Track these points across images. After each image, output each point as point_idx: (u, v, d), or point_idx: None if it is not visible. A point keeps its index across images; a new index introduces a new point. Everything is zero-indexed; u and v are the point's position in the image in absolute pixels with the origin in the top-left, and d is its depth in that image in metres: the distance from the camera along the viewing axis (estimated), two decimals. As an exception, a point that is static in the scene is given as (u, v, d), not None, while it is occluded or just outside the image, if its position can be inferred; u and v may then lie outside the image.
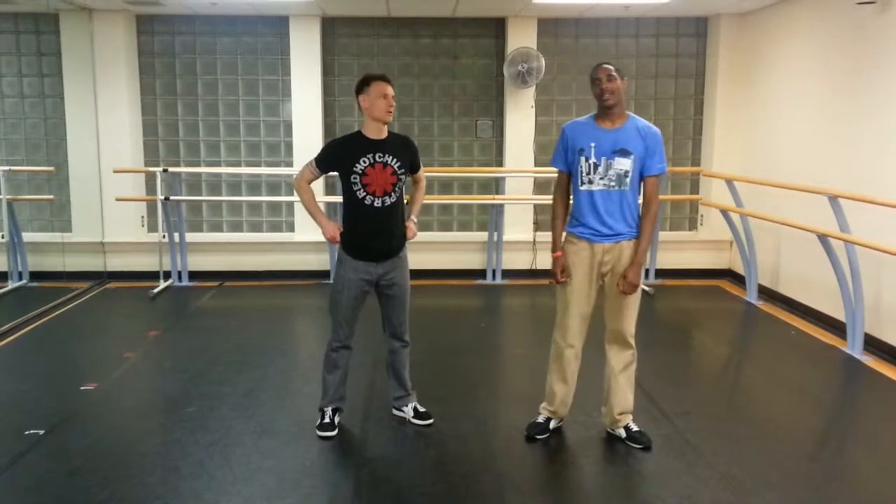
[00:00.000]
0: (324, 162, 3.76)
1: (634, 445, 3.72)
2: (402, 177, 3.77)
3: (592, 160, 3.57)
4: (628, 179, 3.55)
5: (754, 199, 6.69)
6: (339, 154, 3.72)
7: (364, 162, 3.65)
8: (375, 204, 3.69)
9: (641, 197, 3.66)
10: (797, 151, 6.38)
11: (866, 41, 5.42)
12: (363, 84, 3.70)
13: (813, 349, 5.45)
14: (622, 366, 3.76)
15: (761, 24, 6.98)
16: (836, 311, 5.62)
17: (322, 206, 4.08)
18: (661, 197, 7.30)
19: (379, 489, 3.32)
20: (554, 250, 3.71)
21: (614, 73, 3.56)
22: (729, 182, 6.75)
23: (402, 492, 3.29)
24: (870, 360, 5.08)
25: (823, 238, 5.26)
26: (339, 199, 4.09)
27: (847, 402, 4.71)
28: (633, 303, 3.70)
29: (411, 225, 3.94)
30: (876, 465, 3.64)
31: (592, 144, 3.57)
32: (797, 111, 6.40)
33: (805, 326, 5.94)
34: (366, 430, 3.93)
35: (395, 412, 4.11)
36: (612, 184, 3.56)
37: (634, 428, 3.79)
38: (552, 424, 3.85)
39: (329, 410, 3.91)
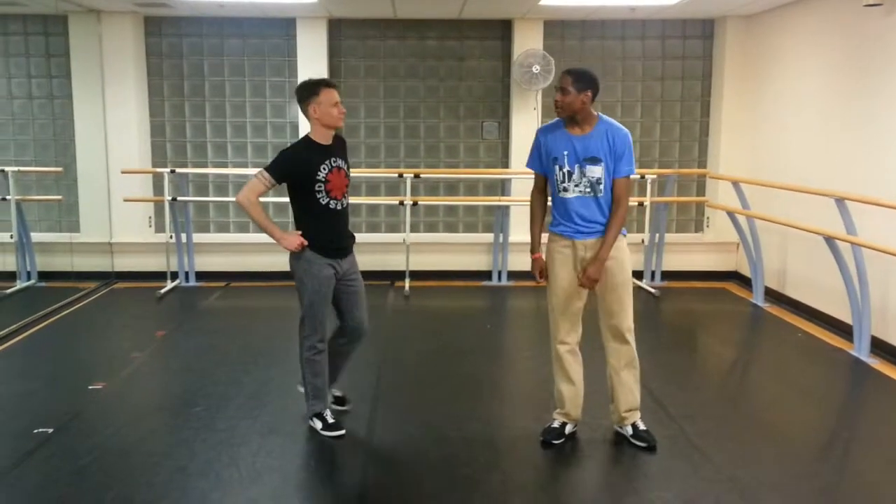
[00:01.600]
0: (284, 171, 3.69)
1: (639, 444, 3.72)
2: (349, 177, 3.87)
3: (566, 168, 3.61)
4: (601, 186, 3.59)
5: (761, 201, 6.68)
6: (299, 163, 3.69)
7: (325, 168, 3.70)
8: (337, 207, 3.77)
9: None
10: (804, 153, 6.37)
11: (874, 43, 5.41)
12: (310, 93, 3.68)
13: (819, 352, 5.44)
14: (623, 363, 3.75)
15: (768, 26, 6.97)
16: (843, 314, 5.61)
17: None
18: (667, 199, 7.35)
19: (384, 490, 3.33)
20: (533, 252, 3.79)
21: (570, 88, 3.52)
22: (735, 184, 6.74)
23: (408, 492, 3.30)
24: (876, 363, 5.07)
25: (830, 240, 5.25)
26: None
27: (853, 404, 4.70)
28: (625, 298, 3.69)
29: None
30: (882, 467, 3.64)
31: (565, 152, 3.61)
32: (804, 113, 6.39)
33: (812, 329, 5.93)
34: (372, 430, 3.94)
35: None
36: (588, 190, 3.60)
37: (642, 427, 3.78)
38: (567, 429, 3.82)
39: (328, 411, 3.92)
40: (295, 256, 3.78)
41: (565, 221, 3.67)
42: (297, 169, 3.69)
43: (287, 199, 3.84)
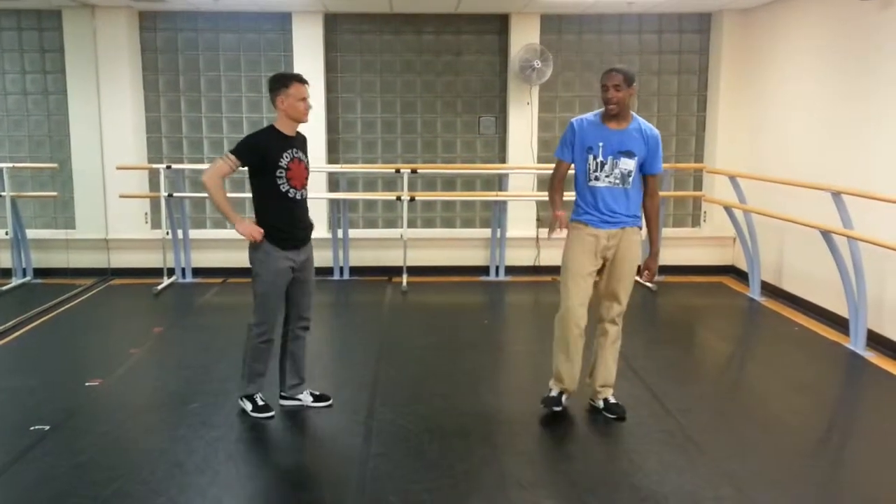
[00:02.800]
0: (248, 154, 3.80)
1: (609, 415, 4.00)
2: (308, 171, 3.99)
3: (600, 159, 3.81)
4: (631, 178, 3.83)
5: (757, 195, 6.68)
6: (264, 148, 3.81)
7: (286, 157, 3.83)
8: (297, 197, 3.90)
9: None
10: (800, 147, 6.37)
11: (869, 37, 5.41)
12: (281, 85, 3.81)
13: (816, 345, 5.45)
14: (609, 341, 4.03)
15: (764, 21, 6.97)
16: (840, 308, 5.62)
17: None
18: (664, 193, 7.34)
19: (382, 485, 3.33)
20: (555, 210, 3.88)
21: (622, 83, 3.75)
22: (732, 178, 6.75)
23: (406, 487, 3.30)
24: (872, 356, 5.08)
25: (826, 234, 5.26)
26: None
27: (850, 398, 4.72)
28: (629, 286, 3.97)
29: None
30: (878, 460, 3.65)
31: (601, 144, 3.81)
32: (800, 107, 6.39)
33: (808, 323, 5.94)
34: (369, 426, 3.94)
35: (286, 402, 4.15)
36: (617, 181, 3.81)
37: (612, 400, 4.06)
38: (565, 398, 4.08)
39: (259, 395, 4.02)
40: (253, 247, 3.91)
41: (592, 211, 3.86)
42: (262, 153, 3.80)
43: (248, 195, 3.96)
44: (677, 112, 7.73)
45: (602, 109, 3.87)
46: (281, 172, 3.81)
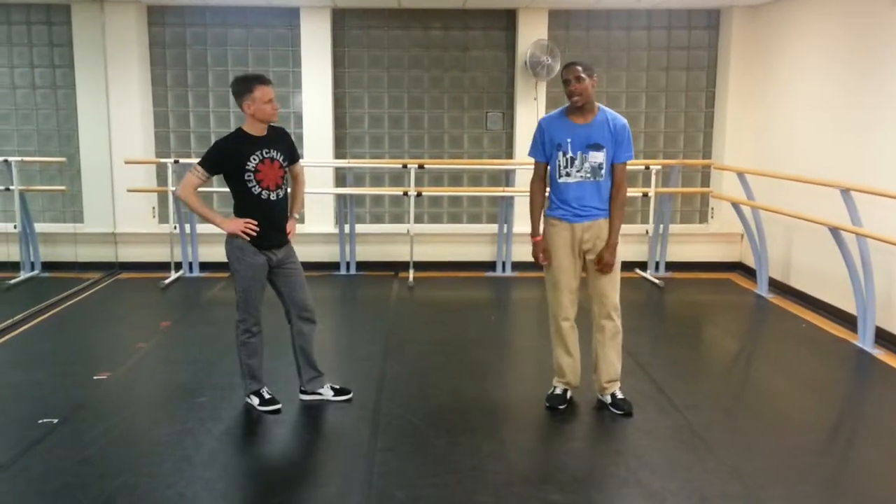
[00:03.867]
0: (215, 164, 3.83)
1: (616, 411, 4.01)
2: (286, 169, 3.95)
3: (569, 154, 3.85)
4: (602, 171, 3.86)
5: (766, 191, 6.66)
6: (230, 154, 3.81)
7: (255, 159, 3.81)
8: (271, 198, 3.89)
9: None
10: (809, 144, 6.34)
11: (880, 34, 5.38)
12: (245, 89, 3.78)
13: (824, 342, 5.44)
14: (608, 337, 4.02)
15: (774, 17, 6.93)
16: (848, 305, 5.60)
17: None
18: (672, 189, 7.34)
19: (389, 479, 3.34)
20: (534, 235, 4.00)
21: (582, 74, 3.79)
22: (740, 175, 6.72)
23: (413, 482, 3.31)
24: (881, 354, 5.06)
25: (835, 231, 5.24)
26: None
27: (857, 395, 4.70)
28: (615, 280, 3.97)
29: (292, 222, 4.09)
30: (886, 458, 3.64)
31: (569, 140, 3.85)
32: (809, 104, 6.36)
33: (816, 320, 5.92)
34: (376, 421, 3.95)
35: (308, 397, 4.17)
36: (588, 175, 3.85)
37: (619, 395, 4.06)
38: (569, 395, 4.14)
39: (264, 389, 4.05)
40: (228, 242, 3.91)
41: (564, 206, 3.90)
42: (228, 160, 3.82)
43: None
44: (685, 108, 7.70)
45: (566, 107, 3.92)
46: (249, 175, 3.81)
